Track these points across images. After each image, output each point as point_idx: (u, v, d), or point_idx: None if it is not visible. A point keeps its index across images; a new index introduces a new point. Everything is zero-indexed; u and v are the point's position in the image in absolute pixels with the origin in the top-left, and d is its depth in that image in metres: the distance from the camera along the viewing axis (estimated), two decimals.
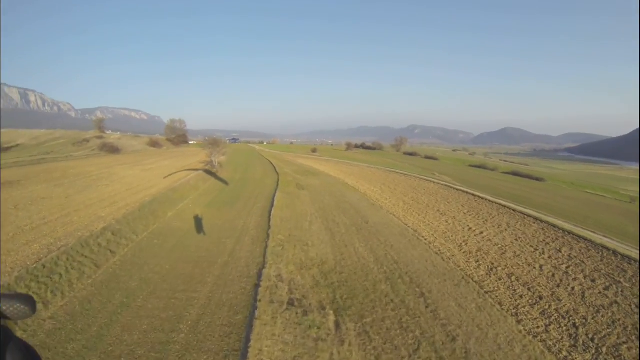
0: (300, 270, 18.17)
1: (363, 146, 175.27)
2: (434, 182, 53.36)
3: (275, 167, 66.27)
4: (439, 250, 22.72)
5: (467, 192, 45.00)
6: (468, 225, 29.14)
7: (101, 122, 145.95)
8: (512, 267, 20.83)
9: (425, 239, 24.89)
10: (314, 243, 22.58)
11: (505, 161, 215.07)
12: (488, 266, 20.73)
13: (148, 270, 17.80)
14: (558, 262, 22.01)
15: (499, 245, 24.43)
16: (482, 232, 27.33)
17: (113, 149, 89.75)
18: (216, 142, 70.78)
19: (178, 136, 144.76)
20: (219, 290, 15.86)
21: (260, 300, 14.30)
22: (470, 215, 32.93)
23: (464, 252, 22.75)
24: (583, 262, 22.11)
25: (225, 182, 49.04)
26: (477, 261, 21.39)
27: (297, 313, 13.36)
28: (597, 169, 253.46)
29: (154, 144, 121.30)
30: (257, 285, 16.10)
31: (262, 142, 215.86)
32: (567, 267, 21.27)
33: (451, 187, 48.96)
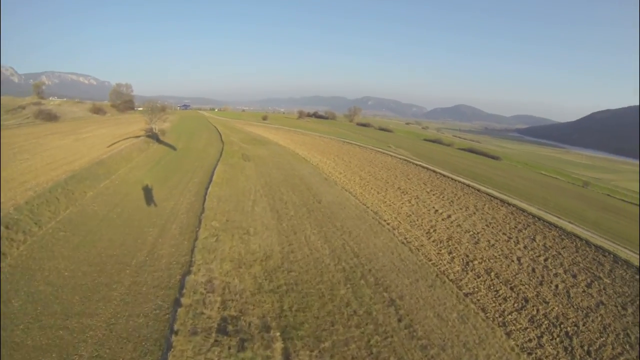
0: (238, 270, 14.55)
1: (316, 115, 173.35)
2: (391, 156, 51.80)
3: (221, 135, 60.70)
4: (405, 239, 20.39)
5: (427, 168, 43.88)
6: (434, 207, 27.36)
7: (40, 87, 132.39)
8: (488, 260, 19.15)
9: (388, 224, 22.46)
10: (257, 230, 19.01)
11: (458, 137, 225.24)
12: (463, 259, 18.82)
13: (41, 281, 13.10)
14: (535, 253, 20.96)
15: (471, 233, 22.81)
16: (449, 216, 25.66)
17: (50, 117, 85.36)
18: (156, 107, 65.98)
19: (124, 102, 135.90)
20: (125, 313, 11.71)
21: (177, 333, 10.47)
22: (434, 194, 31.34)
23: (433, 241, 20.66)
24: (560, 254, 21.28)
25: (164, 153, 43.34)
26: (450, 253, 19.40)
27: (229, 348, 9.84)
28: (547, 151, 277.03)
29: (97, 110, 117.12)
30: (177, 302, 12.19)
31: (214, 109, 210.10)
32: (545, 260, 20.24)
33: (409, 162, 47.66)
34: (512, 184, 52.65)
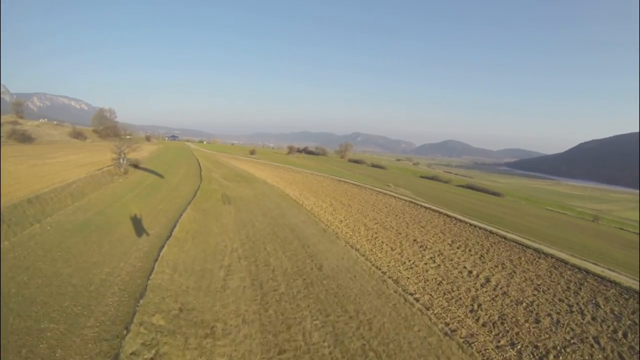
0: None
1: (306, 151, 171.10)
2: (394, 197, 46.52)
3: (201, 170, 55.62)
4: (448, 327, 14.47)
5: (438, 212, 38.54)
6: (465, 267, 21.69)
7: (20, 106, 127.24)
8: (566, 351, 13.42)
9: (417, 300, 16.59)
10: (228, 327, 12.70)
11: (448, 172, 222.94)
12: (534, 354, 13.01)
13: None
14: (610, 327, 15.62)
15: (524, 304, 17.08)
16: (488, 280, 19.95)
17: (24, 138, 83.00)
18: (119, 133, 61.33)
19: (106, 128, 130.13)
20: None
21: None
22: (458, 247, 25.75)
23: (483, 325, 14.86)
24: (636, 323, 15.94)
25: (127, 189, 37.23)
26: (513, 344, 13.61)
27: None
28: (538, 183, 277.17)
29: (77, 135, 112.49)
30: None
31: (202, 142, 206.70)
32: (624, 336, 14.92)
33: (416, 204, 42.34)
34: (526, 223, 47.63)
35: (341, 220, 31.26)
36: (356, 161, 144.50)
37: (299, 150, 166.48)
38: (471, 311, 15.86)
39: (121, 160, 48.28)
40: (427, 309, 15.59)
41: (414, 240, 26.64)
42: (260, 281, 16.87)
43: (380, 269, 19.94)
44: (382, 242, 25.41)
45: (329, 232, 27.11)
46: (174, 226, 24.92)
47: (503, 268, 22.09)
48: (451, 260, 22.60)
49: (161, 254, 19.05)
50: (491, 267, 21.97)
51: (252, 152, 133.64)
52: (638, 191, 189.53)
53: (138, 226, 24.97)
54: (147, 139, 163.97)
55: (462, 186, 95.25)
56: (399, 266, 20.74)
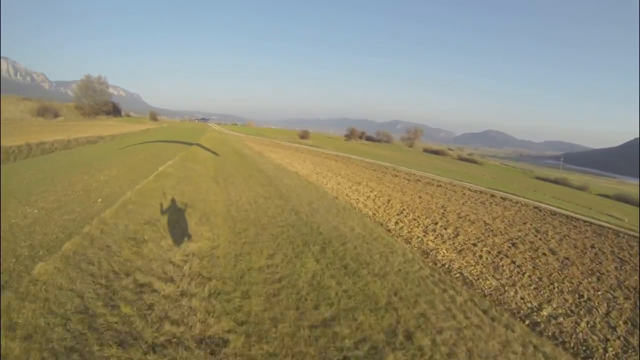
0: None
1: (366, 137, 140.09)
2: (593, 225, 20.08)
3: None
4: None
5: None
6: None
7: None
8: None
9: None
10: None
11: (505, 165, 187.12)
12: None
13: None
14: None
15: None
16: None
17: None
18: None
19: (95, 103, 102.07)
20: None
21: None
22: None
23: None
24: None
25: None
26: None
27: None
28: (600, 180, 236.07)
29: (44, 111, 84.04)
30: None
31: (235, 124, 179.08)
32: None
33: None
34: None
35: None
36: (436, 152, 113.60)
37: (360, 137, 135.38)
38: None
39: None
40: None
41: None
42: None
43: None
44: None
45: None
46: None
47: None
48: None
49: None
50: None
51: (304, 136, 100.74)
52: None
53: None
54: (152, 117, 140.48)
55: (603, 195, 64.95)
56: None
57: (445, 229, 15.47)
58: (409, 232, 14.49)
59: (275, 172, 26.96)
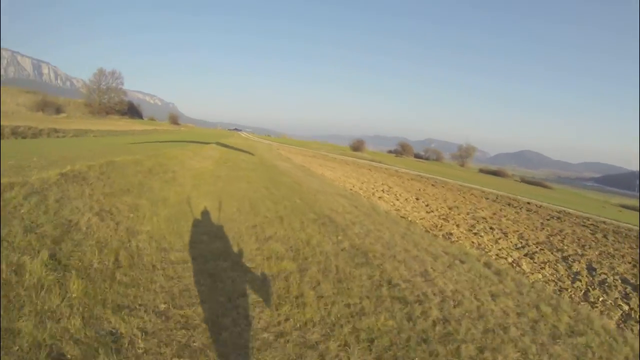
0: None
1: (414, 154, 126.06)
2: None
3: None
4: None
5: None
6: None
7: None
8: None
9: None
10: None
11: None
12: None
13: None
14: None
15: None
16: None
17: None
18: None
19: (106, 102, 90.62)
20: None
21: None
22: None
23: None
24: None
25: None
26: None
27: None
28: None
29: (44, 106, 72.86)
30: None
31: (269, 135, 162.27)
32: None
33: None
34: None
35: None
36: (494, 173, 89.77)
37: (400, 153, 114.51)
38: None
39: None
40: None
41: None
42: None
43: None
44: None
45: None
46: None
47: None
48: None
49: None
50: None
51: (357, 148, 77.06)
52: None
53: None
54: (172, 120, 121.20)
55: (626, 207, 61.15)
56: None
57: None
58: None
59: (366, 220, 10.11)
